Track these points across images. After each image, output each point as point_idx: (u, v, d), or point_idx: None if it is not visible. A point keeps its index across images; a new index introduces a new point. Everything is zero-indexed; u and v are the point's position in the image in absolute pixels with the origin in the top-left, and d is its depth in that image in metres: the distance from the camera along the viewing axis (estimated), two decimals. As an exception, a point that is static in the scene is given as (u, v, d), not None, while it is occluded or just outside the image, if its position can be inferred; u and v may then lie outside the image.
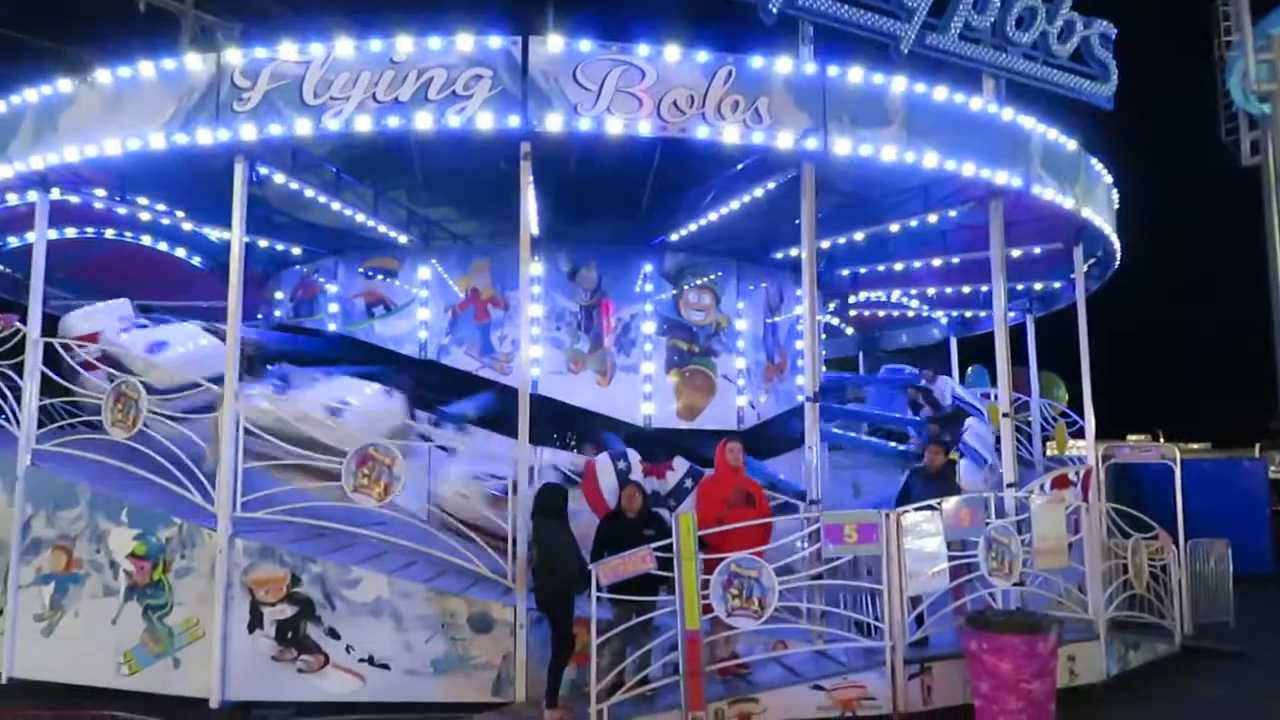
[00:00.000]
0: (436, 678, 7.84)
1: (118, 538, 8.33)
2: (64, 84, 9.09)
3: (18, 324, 9.41)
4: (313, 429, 9.02)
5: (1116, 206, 12.27)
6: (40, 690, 8.32)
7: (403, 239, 11.62)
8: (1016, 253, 11.87)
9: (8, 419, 9.31)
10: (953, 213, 10.42)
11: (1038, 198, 10.00)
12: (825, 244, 11.64)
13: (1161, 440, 27.64)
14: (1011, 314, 13.40)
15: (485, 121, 8.06)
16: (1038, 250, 12.11)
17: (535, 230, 9.91)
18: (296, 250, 12.42)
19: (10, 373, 9.38)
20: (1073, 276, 12.14)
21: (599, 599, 7.23)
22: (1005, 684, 7.25)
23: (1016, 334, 13.66)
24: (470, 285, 11.73)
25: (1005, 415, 9.79)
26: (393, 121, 8.08)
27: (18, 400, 9.23)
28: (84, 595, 8.39)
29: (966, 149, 9.31)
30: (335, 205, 10.44)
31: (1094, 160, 11.25)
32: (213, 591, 7.97)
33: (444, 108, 8.04)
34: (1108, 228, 11.71)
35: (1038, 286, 14.25)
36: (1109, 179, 11.82)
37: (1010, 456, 9.66)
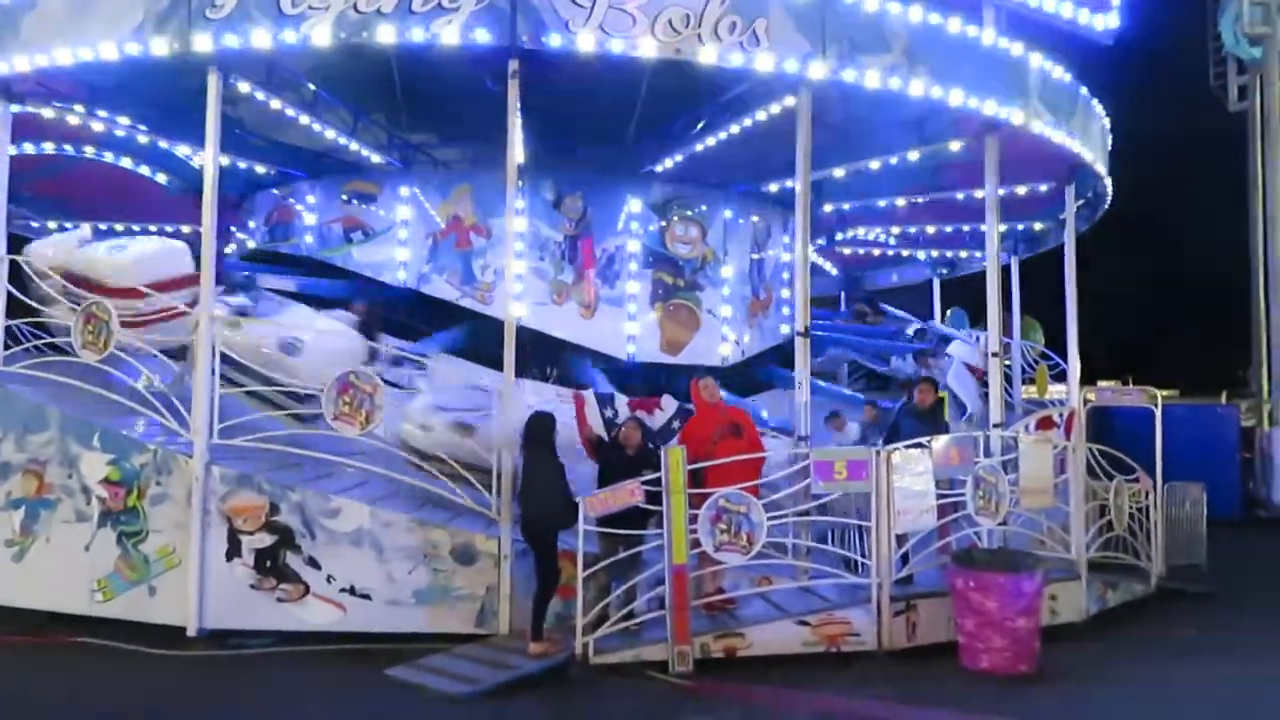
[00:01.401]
0: (419, 608, 7.75)
1: (90, 462, 8.10)
2: (25, -15, 8.59)
3: None
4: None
5: (1109, 145, 12.10)
6: (12, 617, 8.14)
7: (378, 160, 11.24)
8: (1022, 190, 11.68)
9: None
10: (952, 146, 10.20)
11: (1035, 133, 9.79)
12: (813, 178, 11.38)
13: (1132, 385, 27.87)
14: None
15: (471, 36, 7.69)
16: (1043, 188, 11.91)
17: (520, 156, 9.60)
18: (270, 172, 12.00)
19: None
20: (1061, 217, 12.00)
21: (586, 532, 7.14)
22: (990, 621, 7.27)
23: (1001, 275, 13.53)
24: (452, 212, 11.41)
25: (994, 355, 9.74)
26: (375, 33, 7.69)
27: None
28: (56, 520, 8.18)
29: (966, 79, 9.07)
30: (309, 121, 10.04)
31: (1083, 89, 11.01)
32: (189, 519, 7.79)
33: (428, 20, 7.65)
34: (1101, 166, 11.55)
35: (1033, 227, 14.08)
36: (1101, 110, 11.60)
37: (998, 397, 9.62)
